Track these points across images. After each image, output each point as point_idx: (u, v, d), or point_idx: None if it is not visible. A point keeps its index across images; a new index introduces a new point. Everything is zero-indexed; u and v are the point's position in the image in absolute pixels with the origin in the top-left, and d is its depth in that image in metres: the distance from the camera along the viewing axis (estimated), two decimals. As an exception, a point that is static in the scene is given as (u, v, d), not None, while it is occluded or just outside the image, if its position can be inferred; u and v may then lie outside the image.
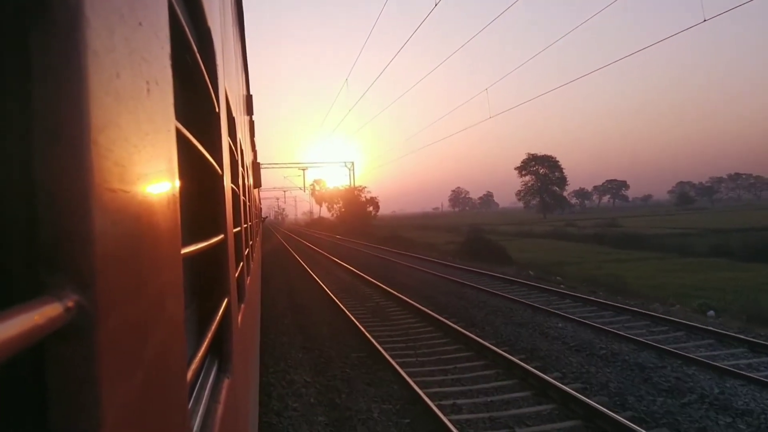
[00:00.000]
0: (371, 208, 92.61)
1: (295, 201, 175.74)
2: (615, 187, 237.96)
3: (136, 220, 0.64)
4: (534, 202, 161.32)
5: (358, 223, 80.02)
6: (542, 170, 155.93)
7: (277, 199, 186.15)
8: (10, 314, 0.40)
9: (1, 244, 0.48)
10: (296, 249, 44.42)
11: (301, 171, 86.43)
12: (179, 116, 0.97)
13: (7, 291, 0.48)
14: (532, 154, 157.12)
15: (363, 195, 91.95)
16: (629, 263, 32.15)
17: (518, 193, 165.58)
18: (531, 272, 24.94)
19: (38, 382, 0.48)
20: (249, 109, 7.76)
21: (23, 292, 0.47)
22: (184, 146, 1.19)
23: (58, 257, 0.48)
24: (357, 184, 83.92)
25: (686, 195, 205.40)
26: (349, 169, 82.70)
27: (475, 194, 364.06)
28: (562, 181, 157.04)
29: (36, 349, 0.46)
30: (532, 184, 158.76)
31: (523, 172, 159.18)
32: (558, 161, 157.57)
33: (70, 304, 0.47)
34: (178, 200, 0.87)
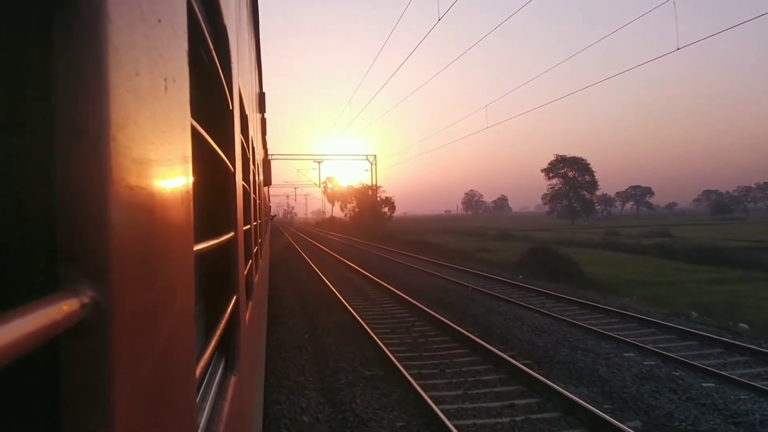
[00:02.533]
0: (386, 209, 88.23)
1: (306, 199, 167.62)
2: (639, 193, 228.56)
3: (151, 217, 0.64)
4: (558, 207, 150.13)
5: (373, 224, 75.88)
6: (571, 173, 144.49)
7: (287, 196, 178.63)
8: (29, 309, 0.40)
9: (20, 239, 0.48)
10: (313, 256, 35.19)
11: (317, 164, 77.27)
12: (194, 113, 0.98)
13: (26, 286, 0.48)
14: (561, 156, 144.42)
15: (378, 195, 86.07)
16: (732, 284, 25.10)
17: (544, 197, 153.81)
18: (627, 298, 19.35)
19: (52, 377, 0.48)
20: (261, 107, 7.80)
21: (41, 287, 0.47)
22: (198, 143, 1.20)
23: (76, 253, 0.48)
24: (374, 182, 76.23)
25: (722, 204, 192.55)
26: (371, 163, 73.94)
27: (488, 198, 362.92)
28: (593, 185, 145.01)
29: (51, 344, 0.46)
30: (560, 188, 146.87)
31: (551, 175, 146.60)
32: (588, 163, 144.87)
33: (86, 300, 0.47)
34: (191, 197, 0.87)
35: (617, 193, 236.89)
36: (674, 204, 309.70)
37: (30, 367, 0.48)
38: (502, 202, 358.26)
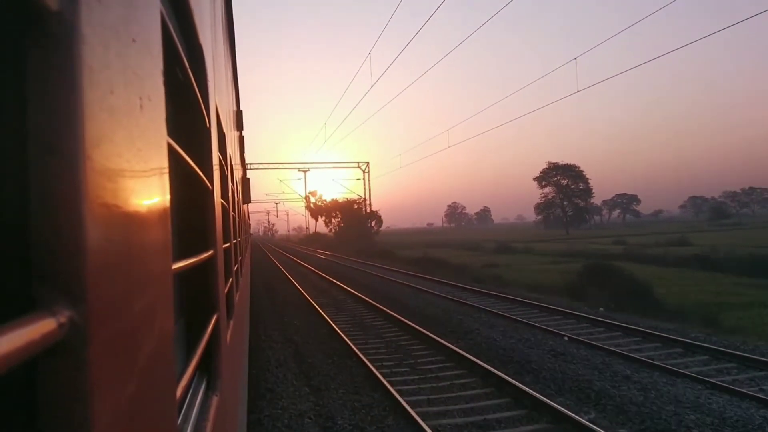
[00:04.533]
0: (373, 223, 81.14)
1: (288, 215, 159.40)
2: (625, 201, 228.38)
3: (129, 236, 0.64)
4: (551, 216, 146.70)
5: (359, 239, 70.56)
6: (564, 181, 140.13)
7: (267, 212, 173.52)
8: (5, 330, 0.39)
9: None
10: (302, 280, 29.79)
11: (302, 174, 71.87)
12: (171, 132, 0.98)
13: (1, 306, 0.47)
14: (554, 163, 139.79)
15: (363, 208, 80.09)
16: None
17: (537, 206, 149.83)
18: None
19: (29, 398, 0.48)
20: (239, 125, 7.86)
21: (17, 307, 0.46)
22: (175, 161, 1.20)
23: (53, 272, 0.48)
24: (367, 192, 69.46)
25: (719, 209, 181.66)
26: (364, 171, 67.66)
27: (470, 210, 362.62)
28: (587, 193, 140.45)
29: (28, 365, 0.46)
30: (553, 196, 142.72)
31: (543, 183, 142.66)
32: (582, 171, 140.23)
33: (63, 319, 0.47)
34: (169, 216, 0.87)
35: (603, 201, 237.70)
36: (660, 211, 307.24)
37: (6, 388, 0.47)
38: (484, 213, 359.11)
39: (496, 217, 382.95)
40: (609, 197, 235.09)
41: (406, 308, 18.17)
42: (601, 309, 17.99)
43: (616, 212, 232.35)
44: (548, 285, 25.16)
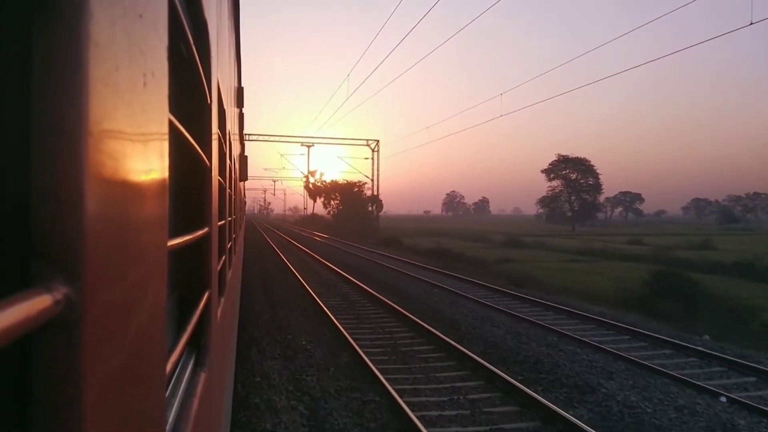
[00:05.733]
0: (373, 207, 76.47)
1: (285, 194, 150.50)
2: (629, 199, 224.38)
3: (126, 213, 0.64)
4: (556, 210, 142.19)
5: (360, 224, 67.82)
6: (573, 175, 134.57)
7: (264, 190, 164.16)
8: (2, 305, 0.39)
9: None
10: (305, 271, 24.61)
11: (305, 149, 64.95)
12: (172, 108, 0.98)
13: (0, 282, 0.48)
14: (563, 156, 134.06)
15: (372, 190, 75.79)
16: None
17: (541, 200, 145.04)
18: None
19: (24, 372, 0.48)
20: (239, 102, 7.88)
21: (14, 283, 0.47)
22: (175, 138, 1.20)
23: (50, 249, 0.48)
24: (376, 172, 61.84)
25: (730, 214, 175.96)
26: (373, 150, 60.11)
27: (468, 199, 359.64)
28: (596, 188, 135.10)
29: (24, 340, 0.46)
30: (561, 190, 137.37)
31: (551, 176, 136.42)
32: (593, 165, 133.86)
33: (59, 296, 0.47)
34: (167, 193, 0.88)
35: (606, 198, 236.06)
36: (663, 211, 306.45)
37: (2, 363, 0.47)
38: (482, 204, 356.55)
39: (493, 208, 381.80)
40: (612, 194, 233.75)
41: (455, 327, 13.35)
42: (706, 337, 14.39)
43: (618, 210, 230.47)
44: (600, 293, 22.25)
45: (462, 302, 17.19)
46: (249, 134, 51.92)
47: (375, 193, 61.33)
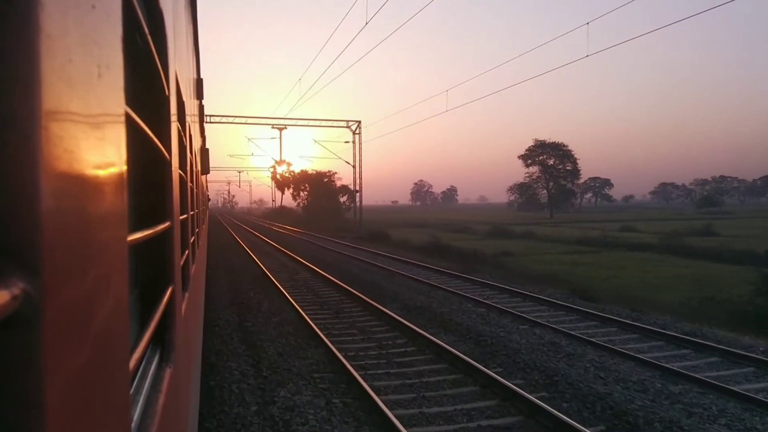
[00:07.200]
0: (345, 198, 77.59)
1: (251, 186, 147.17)
2: (598, 185, 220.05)
3: (84, 207, 0.64)
4: (527, 197, 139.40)
5: (331, 216, 66.25)
6: (551, 160, 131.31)
7: (228, 182, 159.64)
8: None
9: None
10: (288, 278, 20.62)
11: (277, 132, 57.09)
12: (129, 100, 0.97)
13: None
14: (541, 141, 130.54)
15: (335, 181, 77.39)
16: None
17: (514, 187, 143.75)
18: None
19: None
20: (199, 94, 7.77)
21: None
22: (133, 131, 1.19)
23: (6, 244, 0.47)
24: (357, 157, 54.01)
25: (709, 197, 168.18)
26: (354, 132, 53.12)
27: (436, 189, 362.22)
28: (575, 174, 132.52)
29: None
30: (538, 177, 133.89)
31: (528, 162, 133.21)
32: (570, 150, 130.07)
33: (16, 291, 0.46)
34: (126, 186, 0.87)
35: (576, 183, 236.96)
36: (631, 196, 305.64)
37: None
38: (451, 193, 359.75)
39: (459, 197, 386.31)
40: (581, 180, 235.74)
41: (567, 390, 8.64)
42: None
43: (587, 196, 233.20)
44: (672, 298, 19.21)
45: (565, 344, 11.31)
46: (211, 116, 46.76)
47: (357, 180, 54.15)
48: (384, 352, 10.79)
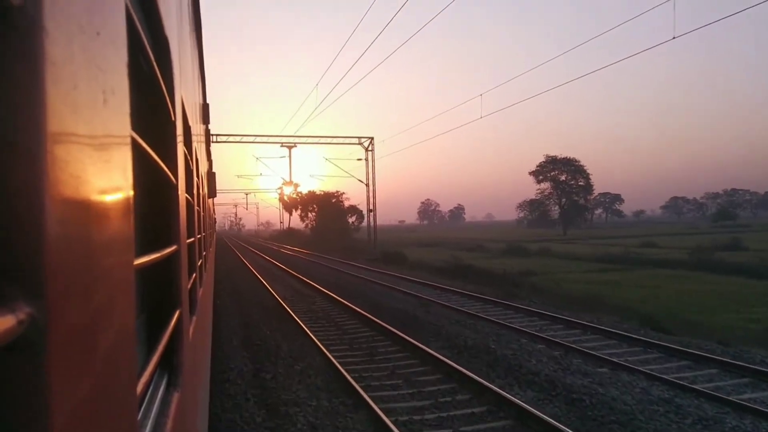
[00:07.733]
0: (353, 218, 76.66)
1: (258, 208, 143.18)
2: (609, 200, 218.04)
3: (90, 231, 0.64)
4: (539, 214, 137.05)
5: (339, 236, 65.44)
6: (563, 176, 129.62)
7: (236, 205, 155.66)
8: None
9: None
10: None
11: (286, 150, 54.70)
12: (135, 125, 0.98)
13: None
14: (552, 156, 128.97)
15: (343, 201, 76.18)
16: None
17: (524, 204, 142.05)
18: None
19: None
20: (205, 118, 7.79)
21: None
22: (139, 156, 1.19)
23: (12, 268, 0.47)
24: (370, 175, 50.52)
25: (725, 211, 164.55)
26: (367, 149, 50.23)
27: (443, 207, 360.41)
28: (587, 189, 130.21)
29: None
30: (550, 193, 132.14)
31: (540, 178, 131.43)
32: (583, 165, 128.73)
33: (22, 316, 0.46)
34: (132, 211, 0.87)
35: (588, 199, 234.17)
36: (642, 211, 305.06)
37: None
38: (458, 211, 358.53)
39: (466, 215, 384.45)
40: (592, 196, 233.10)
41: None
42: None
43: (597, 211, 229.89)
44: (730, 319, 17.79)
45: (685, 403, 8.51)
46: (217, 135, 45.35)
47: (371, 199, 50.74)
48: (445, 415, 8.18)
